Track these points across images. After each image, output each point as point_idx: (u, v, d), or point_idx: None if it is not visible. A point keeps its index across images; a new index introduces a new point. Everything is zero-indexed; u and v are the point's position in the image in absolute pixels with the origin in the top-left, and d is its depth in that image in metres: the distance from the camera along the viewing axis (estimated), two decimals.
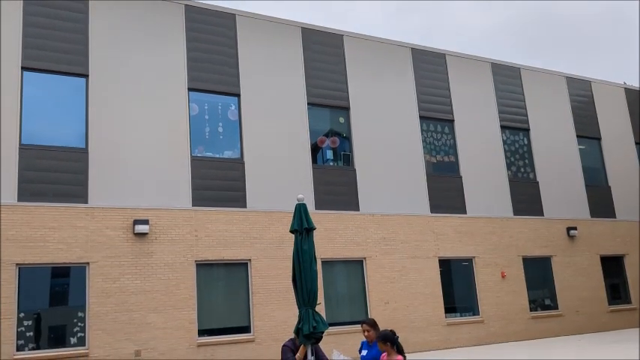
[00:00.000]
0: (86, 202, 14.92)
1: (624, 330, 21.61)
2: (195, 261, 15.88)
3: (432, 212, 19.87)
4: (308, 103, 18.69)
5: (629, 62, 60.06)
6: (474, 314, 19.88)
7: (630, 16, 62.55)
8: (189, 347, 15.18)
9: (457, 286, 20.10)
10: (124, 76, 16.13)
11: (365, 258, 18.33)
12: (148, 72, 16.45)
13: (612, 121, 25.27)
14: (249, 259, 16.59)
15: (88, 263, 14.60)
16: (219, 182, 16.80)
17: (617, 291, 23.37)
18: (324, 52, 19.42)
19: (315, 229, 6.50)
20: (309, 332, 5.94)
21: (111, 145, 15.54)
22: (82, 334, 14.29)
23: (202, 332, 15.58)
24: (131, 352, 14.49)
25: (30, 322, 13.94)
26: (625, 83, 26.98)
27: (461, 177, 20.85)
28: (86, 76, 15.68)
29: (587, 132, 24.44)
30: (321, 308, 6.37)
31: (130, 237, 15.16)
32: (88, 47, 15.81)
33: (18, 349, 13.58)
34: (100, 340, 14.25)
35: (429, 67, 21.33)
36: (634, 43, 61.04)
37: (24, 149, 14.60)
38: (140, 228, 15.14)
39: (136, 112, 16.05)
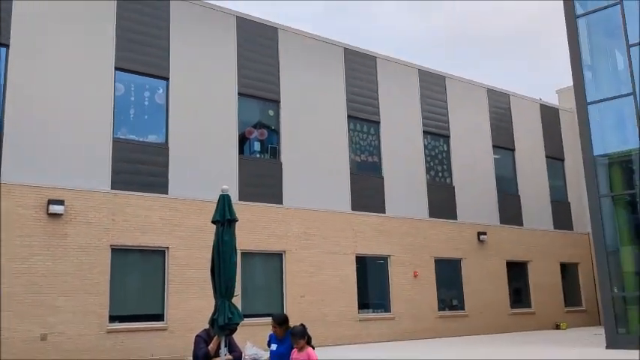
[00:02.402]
0: None
1: (523, 332, 22.95)
2: (111, 245, 15.52)
3: (352, 210, 20.32)
4: (238, 93, 18.63)
5: (547, 79, 63.41)
6: (385, 311, 20.53)
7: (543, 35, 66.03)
8: (98, 333, 14.84)
9: (371, 283, 20.68)
10: (48, 48, 15.49)
11: (285, 251, 18.52)
12: (74, 47, 15.87)
13: (526, 134, 26.68)
14: (168, 247, 16.39)
15: None
16: (141, 166, 16.47)
17: (519, 295, 24.79)
18: (257, 44, 19.40)
19: (237, 220, 6.58)
20: (224, 323, 6.03)
21: (29, 120, 14.89)
22: None
23: (114, 318, 15.27)
24: (37, 334, 14.01)
25: None
26: (541, 99, 28.54)
27: (382, 177, 21.44)
28: (6, 45, 14.94)
29: (503, 142, 25.70)
30: (237, 300, 6.46)
31: (42, 217, 14.62)
32: (10, 15, 15.06)
33: None
34: (7, 321, 13.67)
35: (360, 68, 21.76)
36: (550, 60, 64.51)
37: None
38: (55, 208, 14.63)
39: (58, 87, 15.45)
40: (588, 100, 17.06)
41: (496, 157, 25.31)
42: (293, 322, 6.96)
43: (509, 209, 25.10)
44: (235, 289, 6.33)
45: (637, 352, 13.34)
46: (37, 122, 15.01)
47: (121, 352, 14.91)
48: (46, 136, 15.07)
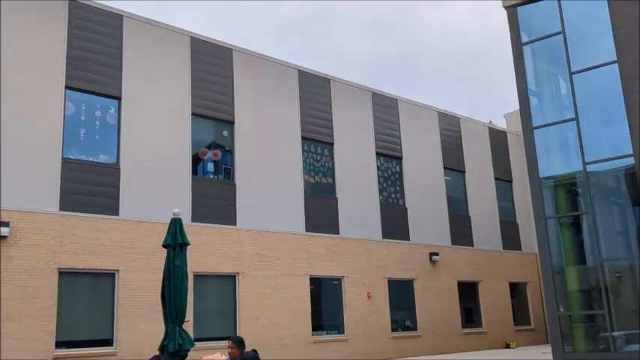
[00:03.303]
0: None
1: (475, 352, 23.32)
2: (58, 268, 15.08)
3: (306, 231, 20.36)
4: (192, 114, 18.53)
5: (497, 101, 65.34)
6: (339, 332, 20.54)
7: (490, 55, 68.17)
8: None
9: (326, 304, 20.68)
10: None
11: (238, 273, 18.37)
12: (24, 64, 15.51)
13: (476, 156, 27.38)
14: (118, 270, 16.03)
15: None
16: (91, 187, 16.13)
17: (470, 314, 25.21)
18: (212, 64, 19.39)
19: (189, 244, 6.54)
20: (174, 350, 5.95)
21: None
22: None
23: (61, 344, 14.78)
24: None
25: None
26: (490, 122, 29.39)
27: (336, 198, 21.58)
28: None
29: (453, 164, 26.29)
30: (188, 325, 6.41)
31: None
32: None
33: None
34: None
35: (314, 90, 21.98)
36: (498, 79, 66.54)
37: None
38: (0, 230, 14.15)
39: (6, 105, 15.04)
40: (534, 125, 17.63)
41: (447, 178, 25.84)
42: (248, 346, 6.95)
43: (460, 230, 25.60)
44: (186, 315, 6.26)
45: None
46: None
47: None
48: None
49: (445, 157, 25.94)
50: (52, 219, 15.20)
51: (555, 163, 17.70)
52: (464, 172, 26.61)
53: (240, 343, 7.04)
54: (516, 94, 18.13)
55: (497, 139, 28.92)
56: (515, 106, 25.88)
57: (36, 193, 15.12)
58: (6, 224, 14.32)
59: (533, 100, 18.36)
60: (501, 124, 31.20)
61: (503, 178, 28.46)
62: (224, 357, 6.26)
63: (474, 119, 28.22)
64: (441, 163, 25.71)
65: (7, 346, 13.87)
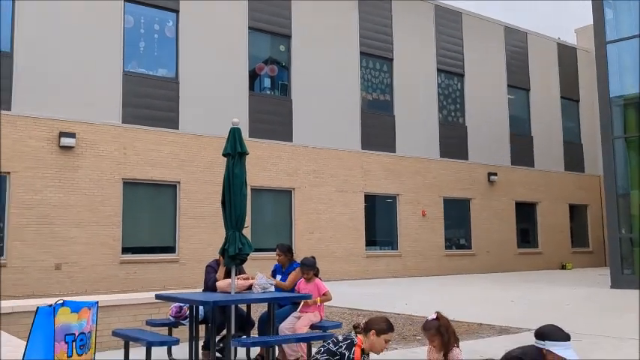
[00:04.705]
0: (9, 109, 14.25)
1: (529, 272, 23.22)
2: (122, 179, 15.64)
3: (362, 148, 20.25)
4: (249, 27, 18.27)
5: (566, 21, 61.60)
6: (392, 248, 20.78)
7: None
8: (111, 263, 15.17)
9: (379, 221, 20.85)
10: None
11: (294, 188, 18.61)
12: None
13: (542, 73, 26.16)
14: (179, 181, 16.50)
15: (9, 173, 14.11)
16: (151, 100, 16.38)
17: (526, 235, 24.96)
18: None
19: (247, 154, 6.55)
20: (234, 254, 6.08)
21: (40, 52, 14.75)
22: (0, 244, 13.97)
23: (126, 250, 15.57)
24: (51, 264, 14.35)
25: None
26: (559, 38, 27.82)
27: (394, 116, 21.23)
28: None
29: (518, 82, 25.25)
30: (247, 231, 6.53)
31: (54, 149, 14.69)
32: None
33: None
34: (18, 250, 13.99)
35: (374, 3, 21.17)
36: None
37: None
38: (66, 141, 14.68)
39: (68, 19, 15.20)
40: (607, 39, 16.58)
41: (510, 96, 24.92)
42: (301, 258, 7.06)
43: (521, 150, 24.93)
44: (245, 221, 6.36)
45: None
46: (49, 55, 14.86)
47: (133, 283, 15.28)
48: (58, 68, 14.95)
49: (509, 75, 24.91)
50: (115, 131, 15.62)
51: (627, 82, 16.73)
52: (528, 90, 25.56)
53: (287, 250, 7.16)
54: (590, 7, 16.97)
55: (566, 55, 27.43)
56: (589, 20, 24.28)
57: (100, 106, 15.48)
58: (72, 135, 14.81)
59: (609, 14, 17.16)
60: (572, 40, 29.49)
61: (570, 97, 27.22)
62: (257, 279, 6.38)
63: (542, 34, 26.75)
64: (504, 80, 24.73)
65: (77, 250, 14.71)
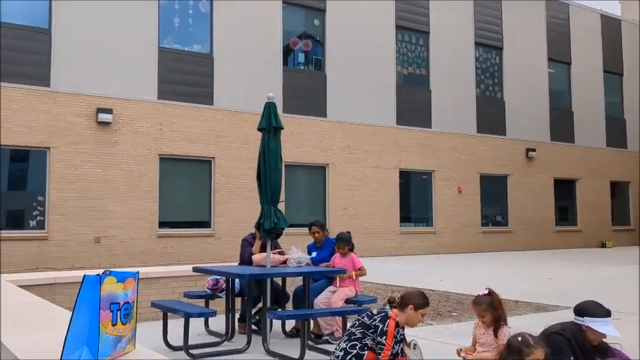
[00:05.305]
0: (48, 85, 14.50)
1: (567, 250, 22.81)
2: (159, 154, 15.83)
3: (397, 124, 20.03)
4: (283, 2, 18.11)
5: None
6: (427, 225, 20.63)
7: None
8: (149, 237, 15.45)
9: (414, 197, 20.68)
10: None
11: (328, 164, 18.57)
12: None
13: (584, 46, 25.35)
14: (214, 157, 16.62)
15: (48, 148, 14.41)
16: (186, 77, 16.45)
17: (565, 212, 24.46)
18: None
19: (283, 128, 6.52)
20: (270, 227, 6.10)
21: (76, 28, 14.92)
22: (42, 218, 14.35)
23: (163, 224, 15.82)
24: (90, 238, 14.68)
25: None
26: (602, 10, 26.85)
27: (430, 91, 20.90)
28: None
29: (559, 56, 24.53)
30: (282, 206, 6.53)
31: (93, 125, 14.93)
32: None
33: None
34: (59, 224, 14.35)
35: None
36: None
37: None
38: (104, 117, 14.89)
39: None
40: None
41: (551, 70, 24.25)
42: (331, 234, 7.05)
43: (561, 125, 24.31)
44: (280, 196, 6.36)
45: None
46: (86, 31, 15.02)
47: (170, 256, 15.53)
48: (94, 45, 15.11)
49: (550, 48, 24.20)
50: (152, 107, 15.77)
51: None
52: (569, 63, 24.82)
53: (323, 226, 7.22)
54: None
55: (610, 28, 26.48)
56: None
57: (136, 82, 15.63)
58: (109, 111, 15.01)
59: None
60: (616, 11, 28.44)
61: (613, 71, 26.33)
62: (292, 253, 6.39)
63: (584, 5, 25.85)
64: (545, 53, 24.05)
65: (115, 224, 15.01)
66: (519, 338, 3.23)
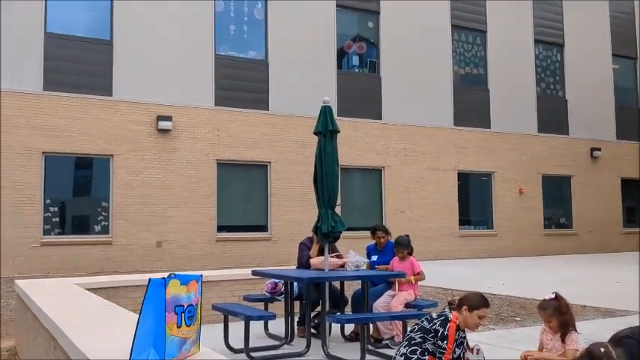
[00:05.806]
0: (110, 94, 14.98)
1: (636, 252, 21.80)
2: (216, 160, 16.09)
3: (455, 125, 19.68)
4: (337, 5, 18.12)
5: None
6: (487, 227, 20.15)
7: None
8: (208, 241, 15.71)
9: (473, 199, 20.25)
10: None
11: (384, 167, 18.42)
12: None
13: None
14: (270, 162, 16.76)
15: (112, 155, 14.88)
16: (242, 83, 16.67)
17: (633, 214, 23.40)
18: None
19: (339, 131, 6.48)
20: (327, 231, 6.07)
21: (136, 38, 15.37)
22: (106, 223, 14.81)
23: (221, 228, 16.05)
24: (152, 242, 15.06)
25: (56, 209, 14.43)
26: None
27: (488, 90, 20.45)
28: None
29: (624, 51, 23.55)
30: (338, 211, 6.47)
31: (153, 132, 15.32)
32: None
33: (45, 234, 14.15)
34: (122, 229, 14.78)
35: None
36: None
37: (49, 38, 14.51)
38: (163, 124, 15.26)
39: (162, 6, 15.71)
40: None
41: (615, 66, 23.30)
42: (393, 238, 6.95)
43: (628, 123, 23.30)
44: (337, 199, 6.32)
45: None
46: (143, 40, 15.45)
47: (229, 259, 15.74)
48: (152, 54, 15.52)
49: (614, 43, 23.26)
50: (209, 113, 16.06)
51: None
52: (635, 58, 23.80)
53: (387, 231, 7.09)
54: None
55: None
56: None
57: (193, 89, 15.95)
58: (169, 118, 15.37)
59: None
60: None
61: None
62: (350, 257, 6.32)
63: None
64: (609, 49, 23.14)
65: (175, 229, 15.34)
66: (602, 349, 3.04)
